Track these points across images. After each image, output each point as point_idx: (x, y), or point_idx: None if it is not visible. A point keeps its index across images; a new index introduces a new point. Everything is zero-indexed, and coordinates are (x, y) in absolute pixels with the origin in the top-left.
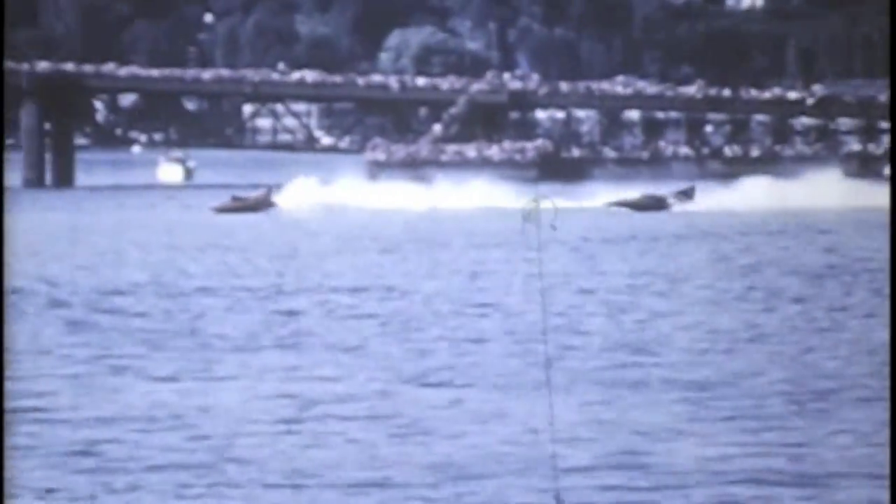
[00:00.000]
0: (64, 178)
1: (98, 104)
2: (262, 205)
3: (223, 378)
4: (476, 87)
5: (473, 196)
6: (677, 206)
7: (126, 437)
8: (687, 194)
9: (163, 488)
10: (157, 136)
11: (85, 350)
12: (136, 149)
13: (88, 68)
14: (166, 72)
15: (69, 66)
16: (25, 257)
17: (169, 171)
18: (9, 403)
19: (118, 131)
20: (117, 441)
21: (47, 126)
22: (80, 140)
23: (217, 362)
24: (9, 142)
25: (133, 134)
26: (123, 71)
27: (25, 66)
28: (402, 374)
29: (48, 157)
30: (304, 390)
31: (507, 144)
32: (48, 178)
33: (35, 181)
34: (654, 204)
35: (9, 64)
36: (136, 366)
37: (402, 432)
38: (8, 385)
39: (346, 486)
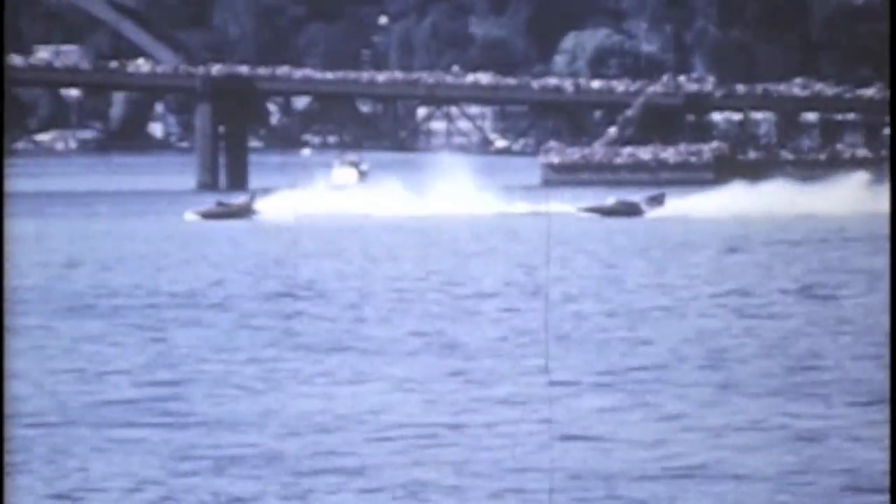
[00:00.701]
0: (237, 181)
1: (272, 107)
2: (244, 211)
3: (387, 381)
4: (652, 89)
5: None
6: (651, 213)
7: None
8: (657, 200)
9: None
10: (331, 139)
11: (251, 352)
12: (305, 151)
13: (263, 71)
14: (340, 74)
15: (243, 69)
16: (198, 259)
17: (342, 174)
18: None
19: (292, 134)
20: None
21: (221, 129)
22: (253, 143)
23: (386, 366)
24: (183, 144)
25: (307, 137)
26: (298, 74)
27: (200, 69)
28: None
29: (222, 159)
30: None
31: (682, 147)
32: (222, 180)
33: (209, 184)
34: (628, 210)
35: (183, 67)
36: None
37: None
38: (178, 390)
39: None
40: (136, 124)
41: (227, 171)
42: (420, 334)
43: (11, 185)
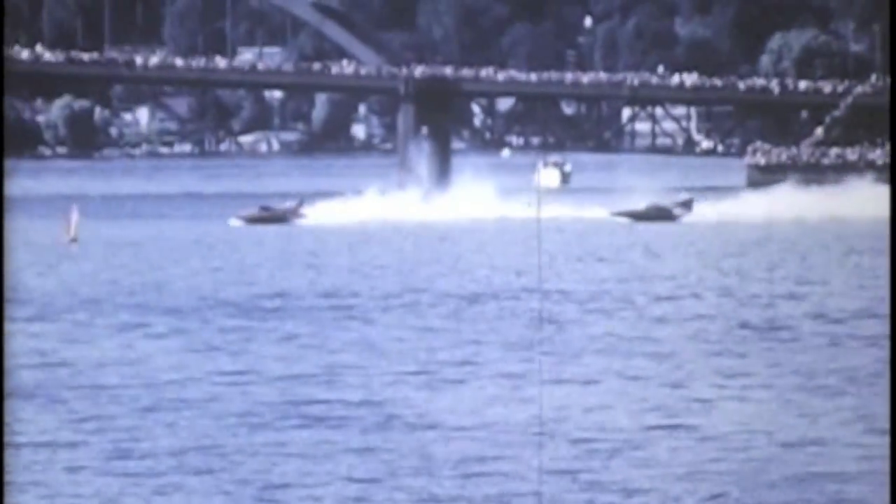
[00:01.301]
0: (440, 182)
1: (475, 108)
2: (291, 216)
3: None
4: (859, 89)
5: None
6: (684, 217)
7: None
8: (686, 205)
9: None
10: (534, 140)
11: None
12: (505, 153)
13: (467, 72)
14: (544, 75)
15: (447, 70)
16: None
17: (546, 175)
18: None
19: (495, 135)
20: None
21: (424, 130)
22: (456, 144)
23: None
24: (386, 146)
25: (510, 138)
26: (501, 75)
27: (403, 71)
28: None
29: (424, 160)
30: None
31: (890, 147)
32: (424, 181)
33: (411, 184)
34: (660, 215)
35: (386, 68)
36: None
37: None
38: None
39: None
40: (339, 126)
41: (430, 173)
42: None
43: (228, 185)
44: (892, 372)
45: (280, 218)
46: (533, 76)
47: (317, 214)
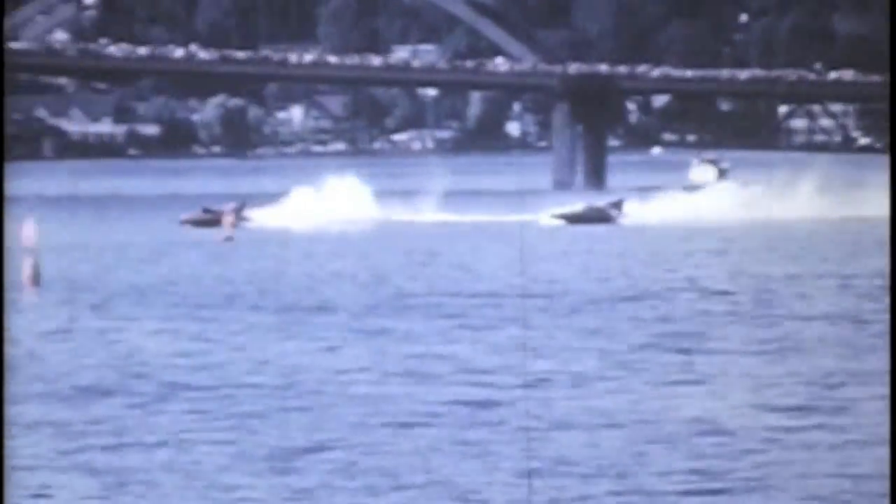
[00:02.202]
0: (595, 180)
1: (631, 105)
2: (231, 219)
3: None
4: None
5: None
6: (621, 219)
7: None
8: (617, 206)
9: None
10: (690, 138)
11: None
12: (656, 150)
13: (622, 69)
14: (700, 72)
15: (602, 68)
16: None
17: (702, 172)
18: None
19: (650, 132)
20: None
21: (579, 128)
22: (611, 141)
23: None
24: (541, 144)
25: (665, 135)
26: (657, 72)
27: (558, 68)
28: None
29: (579, 158)
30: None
31: None
32: (578, 179)
33: (566, 182)
34: (597, 216)
35: (541, 66)
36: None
37: None
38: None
39: None
40: (494, 123)
41: (585, 170)
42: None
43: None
44: (893, 372)
45: (218, 222)
46: (689, 73)
47: (259, 218)
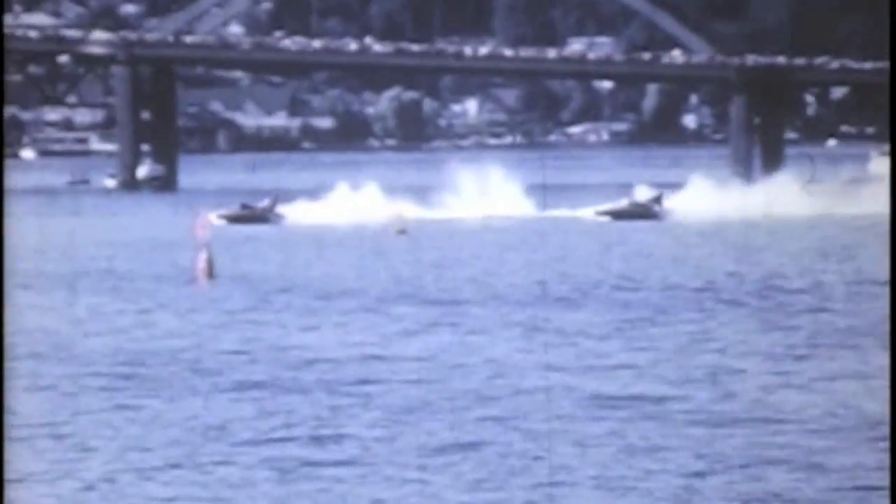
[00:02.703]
0: (772, 172)
1: (808, 98)
2: (269, 214)
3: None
4: None
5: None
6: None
7: None
8: (657, 201)
9: None
10: (868, 130)
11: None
12: (831, 142)
13: (799, 61)
14: (879, 64)
15: (780, 60)
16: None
17: (881, 165)
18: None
19: (827, 125)
20: None
21: (756, 120)
22: (789, 134)
23: None
24: (717, 137)
25: (843, 128)
26: (835, 64)
27: (735, 60)
28: None
29: (756, 150)
30: None
31: None
32: (755, 172)
33: (742, 176)
34: (642, 212)
35: (718, 58)
36: None
37: None
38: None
39: None
40: (670, 116)
41: (762, 163)
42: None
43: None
44: (893, 371)
45: (260, 217)
46: (867, 65)
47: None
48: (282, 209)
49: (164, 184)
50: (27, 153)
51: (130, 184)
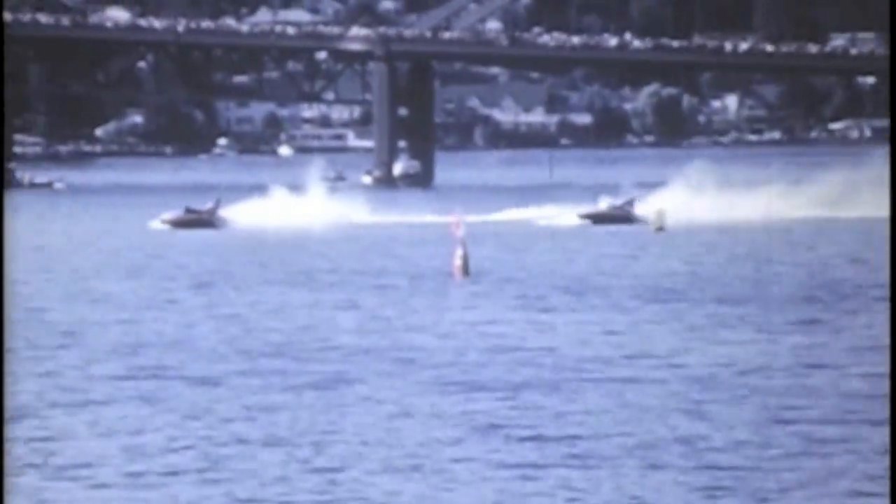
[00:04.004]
0: None
1: None
2: (213, 218)
3: None
4: None
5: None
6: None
7: None
8: (630, 205)
9: None
10: None
11: None
12: None
13: None
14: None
15: None
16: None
17: None
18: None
19: None
20: None
21: None
22: None
23: None
24: None
25: None
26: None
27: None
28: None
29: None
30: None
31: None
32: None
33: None
34: (621, 216)
35: None
36: None
37: None
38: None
39: None
40: None
41: None
42: None
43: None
44: (892, 371)
45: (205, 222)
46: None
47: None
48: (225, 212)
49: (420, 180)
50: (284, 150)
51: (387, 180)
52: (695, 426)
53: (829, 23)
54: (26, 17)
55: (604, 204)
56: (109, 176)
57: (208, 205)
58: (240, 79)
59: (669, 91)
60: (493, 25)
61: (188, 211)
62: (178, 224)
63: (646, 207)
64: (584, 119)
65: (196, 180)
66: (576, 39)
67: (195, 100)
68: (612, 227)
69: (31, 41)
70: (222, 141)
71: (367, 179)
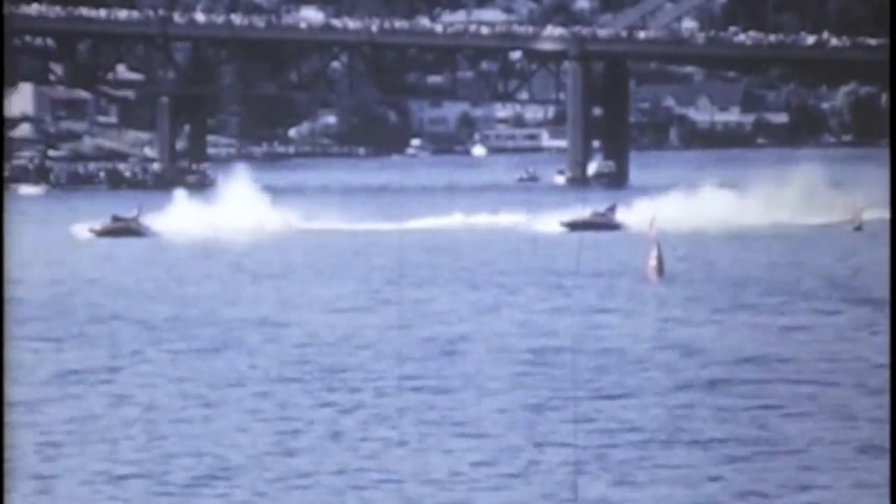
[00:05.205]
0: None
1: None
2: (136, 226)
3: None
4: None
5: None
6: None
7: None
8: (612, 210)
9: None
10: None
11: None
12: None
13: None
14: None
15: None
16: None
17: None
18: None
19: None
20: None
21: None
22: None
23: None
24: None
25: None
26: None
27: None
28: None
29: None
30: None
31: None
32: None
33: None
34: (603, 223)
35: None
36: None
37: None
38: None
39: None
40: None
41: None
42: None
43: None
44: (892, 371)
45: (133, 230)
46: None
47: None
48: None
49: (614, 180)
50: (478, 150)
51: (580, 180)
52: None
53: None
54: (220, 18)
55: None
56: (301, 177)
57: (132, 212)
58: (433, 79)
59: (867, 89)
60: (689, 24)
61: (115, 219)
62: (105, 233)
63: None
64: (780, 118)
65: (387, 181)
66: (772, 38)
67: (388, 100)
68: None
69: (225, 42)
70: (415, 142)
71: (559, 179)
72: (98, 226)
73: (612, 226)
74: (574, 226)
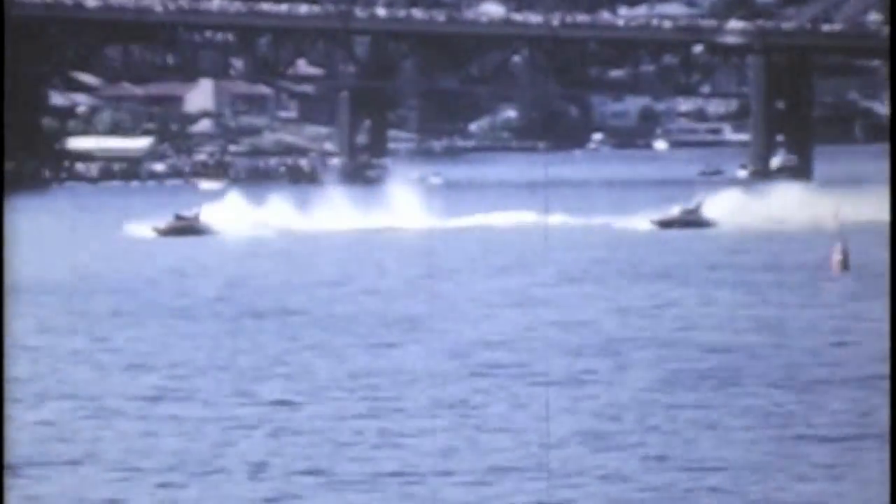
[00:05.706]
0: None
1: None
2: (199, 226)
3: None
4: None
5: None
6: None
7: None
8: (696, 210)
9: None
10: None
11: None
12: None
13: None
14: None
15: None
16: None
17: None
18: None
19: None
20: None
21: None
22: None
23: None
24: None
25: None
26: None
27: None
28: None
29: None
30: None
31: None
32: None
33: None
34: (693, 220)
35: None
36: None
37: None
38: None
39: None
40: None
41: None
42: None
43: None
44: (892, 372)
45: (195, 229)
46: None
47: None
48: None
49: (798, 173)
50: (659, 144)
51: (763, 174)
52: None
53: None
54: (401, 12)
55: None
56: (481, 171)
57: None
58: (615, 73)
59: None
60: (875, 17)
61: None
62: (168, 231)
63: None
64: None
65: (568, 175)
66: None
67: (569, 94)
68: None
69: (405, 37)
70: (597, 136)
71: (742, 173)
72: (162, 224)
73: (702, 223)
74: (665, 223)
